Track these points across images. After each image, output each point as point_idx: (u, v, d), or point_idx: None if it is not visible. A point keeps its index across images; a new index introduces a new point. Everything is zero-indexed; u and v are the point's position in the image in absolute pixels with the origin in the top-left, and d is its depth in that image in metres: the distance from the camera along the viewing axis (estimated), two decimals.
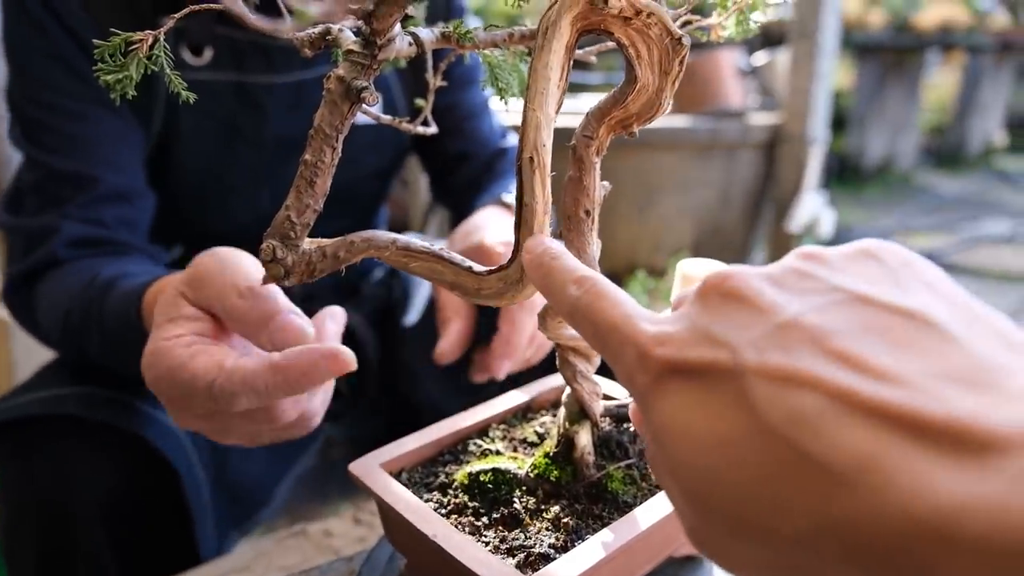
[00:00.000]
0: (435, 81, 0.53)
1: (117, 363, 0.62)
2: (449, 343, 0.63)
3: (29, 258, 0.68)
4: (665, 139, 1.96)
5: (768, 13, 0.48)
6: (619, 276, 1.78)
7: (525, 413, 0.57)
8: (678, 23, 0.48)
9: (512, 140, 0.96)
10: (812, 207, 2.07)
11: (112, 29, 0.38)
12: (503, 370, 0.63)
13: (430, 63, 0.53)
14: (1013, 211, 4.40)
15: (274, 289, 0.46)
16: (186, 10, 0.37)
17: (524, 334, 0.64)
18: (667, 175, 1.99)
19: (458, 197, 0.93)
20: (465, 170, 0.93)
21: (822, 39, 2.04)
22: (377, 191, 0.96)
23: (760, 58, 2.45)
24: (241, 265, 0.48)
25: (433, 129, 0.54)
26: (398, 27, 0.39)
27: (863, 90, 4.86)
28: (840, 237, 3.47)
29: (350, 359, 0.43)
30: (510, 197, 0.73)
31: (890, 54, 4.69)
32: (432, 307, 0.99)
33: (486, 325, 0.67)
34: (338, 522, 0.74)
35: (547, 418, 0.55)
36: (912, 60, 4.80)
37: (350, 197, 0.89)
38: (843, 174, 4.86)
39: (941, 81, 6.31)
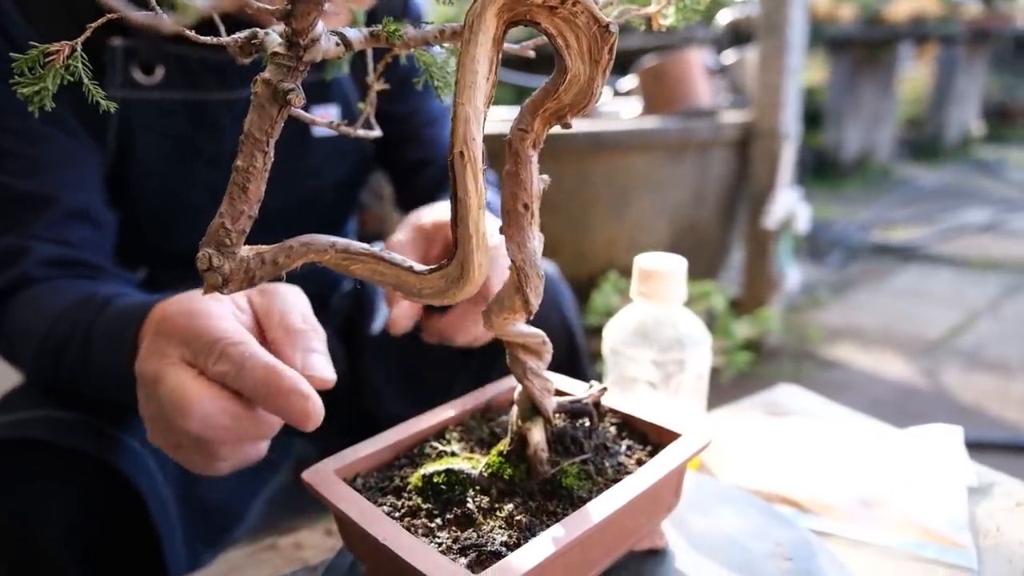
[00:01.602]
0: (376, 84, 0.52)
1: (89, 378, 0.61)
2: (401, 312, 0.63)
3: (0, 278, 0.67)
4: (637, 140, 1.97)
5: (703, 2, 0.48)
6: (595, 277, 1.78)
7: (484, 414, 0.56)
8: (614, 13, 0.48)
9: None
10: (788, 203, 2.07)
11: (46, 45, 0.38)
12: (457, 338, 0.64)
13: (370, 66, 0.53)
14: (993, 199, 4.44)
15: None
16: (103, 19, 0.37)
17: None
18: (640, 176, 1.99)
19: (419, 204, 0.93)
20: (426, 176, 0.92)
21: (790, 34, 2.06)
22: (340, 203, 0.96)
23: (729, 56, 2.46)
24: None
25: (376, 132, 0.53)
26: (321, 26, 0.39)
27: (837, 85, 4.91)
28: (820, 232, 3.49)
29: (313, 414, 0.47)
30: None
31: (862, 48, 4.73)
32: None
33: None
34: (309, 534, 0.73)
35: (506, 418, 0.55)
36: (885, 53, 4.84)
37: (312, 209, 0.89)
38: (821, 169, 4.90)
39: (916, 73, 6.38)
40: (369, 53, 0.53)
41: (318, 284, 0.89)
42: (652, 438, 0.52)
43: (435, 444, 0.52)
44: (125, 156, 0.75)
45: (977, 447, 1.70)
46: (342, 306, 0.96)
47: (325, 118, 0.54)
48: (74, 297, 0.65)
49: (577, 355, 0.80)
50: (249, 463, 0.52)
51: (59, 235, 0.69)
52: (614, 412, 0.54)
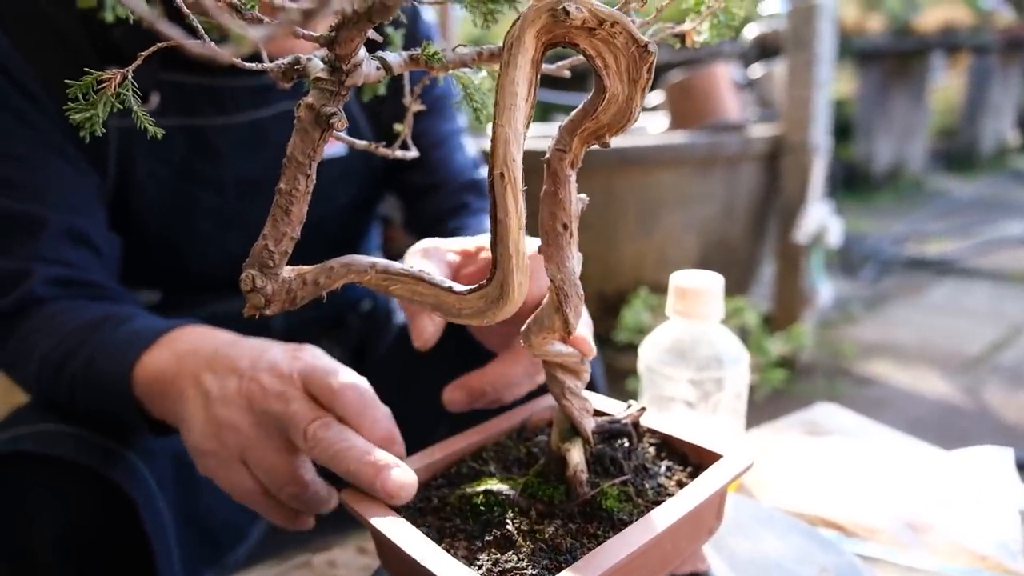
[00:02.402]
0: (413, 104, 0.53)
1: (87, 385, 0.62)
2: (434, 329, 0.57)
3: (2, 300, 0.68)
4: (665, 156, 1.96)
5: (744, 12, 0.47)
6: (624, 293, 1.77)
7: (519, 433, 0.56)
8: (650, 32, 0.48)
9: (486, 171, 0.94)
10: (819, 216, 2.05)
11: (62, 77, 0.39)
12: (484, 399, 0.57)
13: (406, 88, 0.53)
14: None
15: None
16: (155, 47, 0.38)
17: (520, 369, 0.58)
18: (669, 191, 1.98)
19: (428, 228, 0.91)
20: (434, 200, 0.91)
21: (819, 48, 2.04)
22: (353, 225, 0.95)
23: (756, 70, 2.45)
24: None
25: (414, 153, 0.54)
26: (363, 51, 0.39)
27: (867, 96, 4.85)
28: (853, 245, 3.44)
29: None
30: None
31: (892, 59, 4.68)
32: (395, 343, 0.95)
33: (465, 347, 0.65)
34: (342, 552, 0.73)
35: (542, 438, 0.54)
36: (915, 63, 4.78)
37: (322, 232, 0.87)
38: (853, 182, 4.83)
39: (949, 83, 6.28)
40: (406, 76, 0.53)
41: (335, 304, 0.89)
42: (692, 459, 0.51)
43: (472, 464, 0.52)
44: (126, 183, 0.76)
45: None
46: (360, 328, 0.96)
47: (332, 142, 0.54)
48: (92, 314, 0.66)
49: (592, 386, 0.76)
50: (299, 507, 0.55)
51: (59, 256, 0.70)
52: (652, 432, 0.54)
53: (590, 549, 0.42)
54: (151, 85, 0.74)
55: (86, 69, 0.64)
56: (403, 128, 0.54)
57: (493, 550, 0.43)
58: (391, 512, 0.46)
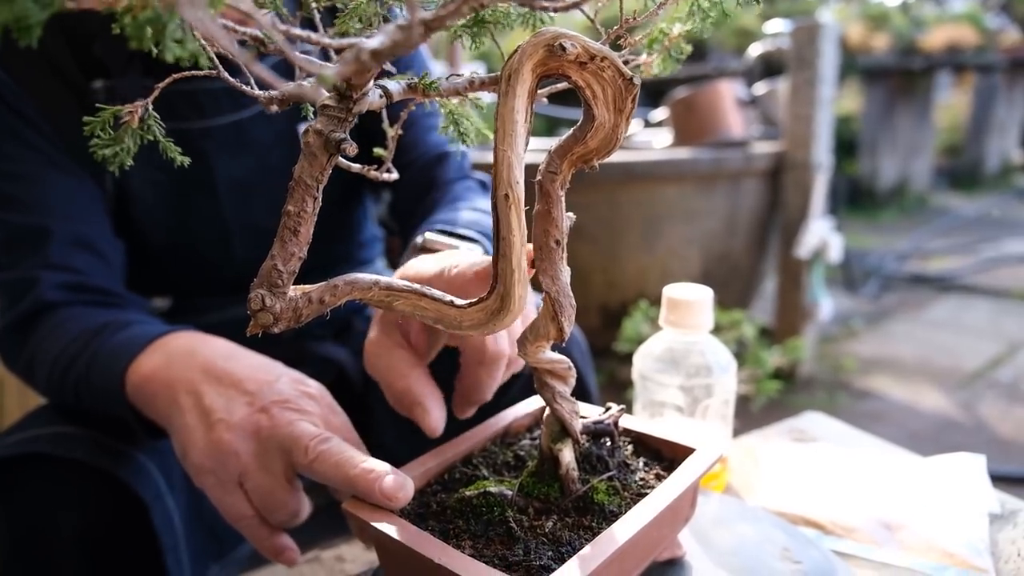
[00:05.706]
0: (395, 131, 0.56)
1: (90, 389, 0.65)
2: (441, 416, 0.59)
3: (16, 308, 0.72)
4: (668, 171, 2.00)
5: (687, 51, 0.52)
6: (627, 305, 1.81)
7: (503, 439, 0.58)
8: (641, 64, 0.52)
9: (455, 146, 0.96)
10: (820, 232, 2.08)
11: (52, 96, 0.40)
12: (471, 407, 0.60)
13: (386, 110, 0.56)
14: None
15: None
16: (186, 73, 0.41)
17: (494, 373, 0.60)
18: (672, 206, 2.02)
19: (404, 207, 0.92)
20: (405, 178, 0.91)
21: (821, 67, 2.08)
22: (336, 219, 0.95)
23: (760, 87, 2.49)
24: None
25: (395, 175, 0.55)
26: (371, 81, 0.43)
27: (872, 113, 4.89)
28: (855, 261, 3.47)
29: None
30: (432, 237, 0.71)
31: (898, 77, 4.72)
32: None
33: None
34: (349, 548, 0.77)
35: (525, 442, 0.57)
36: (921, 82, 4.82)
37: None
38: (857, 198, 4.85)
39: (955, 100, 6.31)
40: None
41: (342, 307, 0.90)
42: (666, 453, 0.55)
43: (464, 469, 0.54)
44: (126, 192, 0.79)
45: (1019, 482, 1.68)
46: (363, 329, 0.98)
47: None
48: (96, 321, 0.69)
49: (586, 394, 0.78)
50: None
51: (65, 262, 0.73)
52: (627, 431, 0.57)
53: (587, 540, 0.45)
54: (137, 93, 0.76)
55: (71, 84, 0.67)
56: (384, 153, 0.56)
57: (498, 546, 0.45)
58: (396, 517, 0.47)
